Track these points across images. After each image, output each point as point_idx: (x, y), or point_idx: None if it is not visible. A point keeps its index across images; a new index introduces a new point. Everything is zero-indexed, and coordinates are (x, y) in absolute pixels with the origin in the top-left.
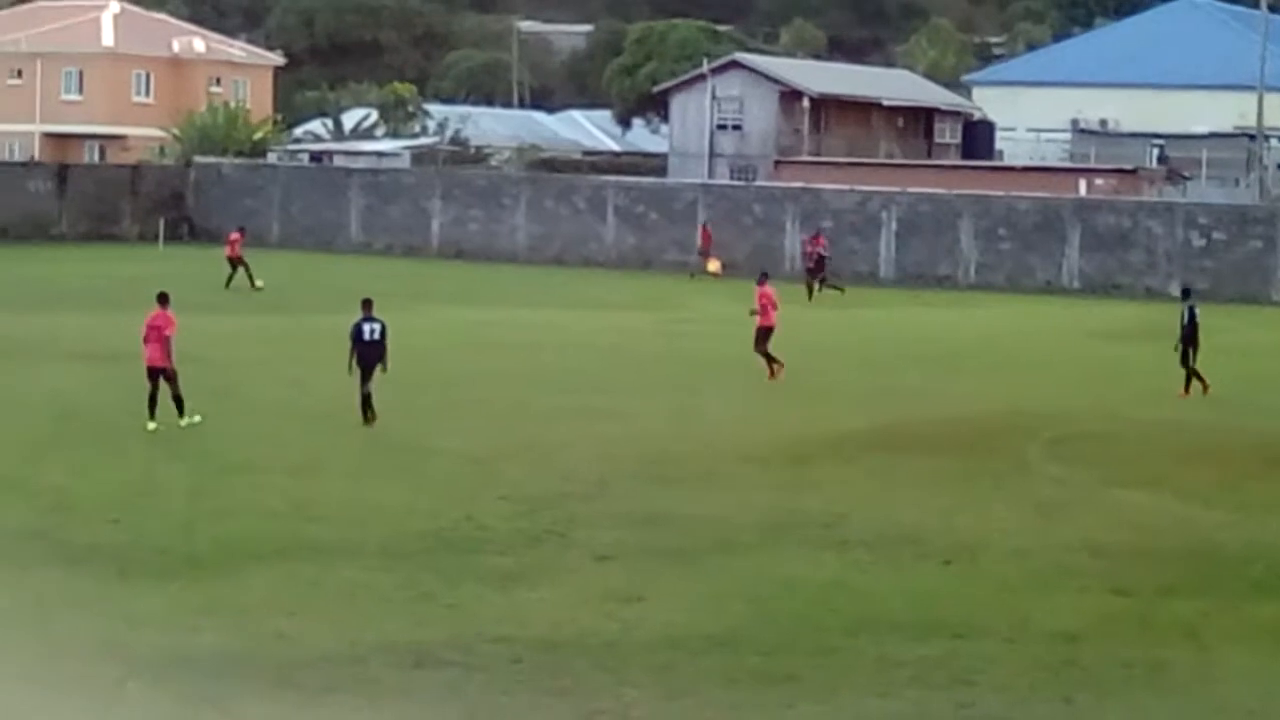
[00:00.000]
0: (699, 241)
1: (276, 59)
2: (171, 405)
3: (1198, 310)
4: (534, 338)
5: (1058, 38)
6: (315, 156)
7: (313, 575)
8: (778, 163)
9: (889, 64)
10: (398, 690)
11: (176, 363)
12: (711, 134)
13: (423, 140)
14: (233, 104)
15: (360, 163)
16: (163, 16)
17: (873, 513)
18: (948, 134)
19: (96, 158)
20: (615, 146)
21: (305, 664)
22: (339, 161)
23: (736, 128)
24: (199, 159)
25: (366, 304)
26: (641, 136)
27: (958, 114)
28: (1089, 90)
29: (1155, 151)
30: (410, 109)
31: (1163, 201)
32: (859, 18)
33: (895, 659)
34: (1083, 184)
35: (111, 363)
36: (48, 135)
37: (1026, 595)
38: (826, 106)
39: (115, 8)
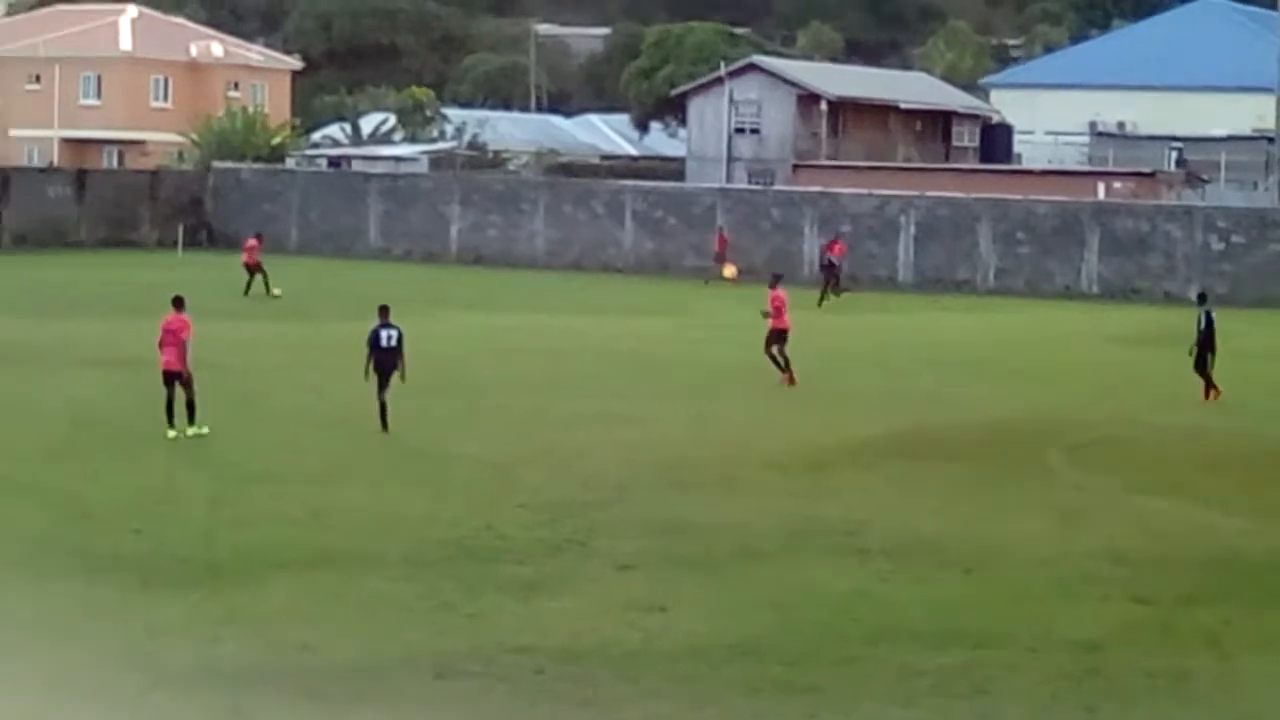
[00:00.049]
0: (714, 247)
1: (294, 63)
2: (183, 411)
3: (1214, 315)
4: (552, 343)
5: (1075, 40)
6: (333, 161)
7: (334, 584)
8: (796, 166)
9: (906, 67)
10: (420, 701)
11: (193, 368)
12: (729, 138)
13: (441, 145)
14: (251, 109)
15: (378, 168)
16: (180, 21)
17: (893, 520)
18: (966, 137)
19: (115, 163)
20: (633, 150)
21: (328, 674)
22: (357, 166)
23: (754, 131)
24: (217, 164)
25: (383, 310)
26: (659, 140)
27: (975, 117)
28: (1107, 93)
29: (1173, 154)
30: (428, 113)
31: (1181, 205)
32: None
33: (917, 668)
34: (1101, 187)
35: (130, 369)
36: (66, 140)
37: (1048, 604)
38: (844, 109)
39: (133, 12)
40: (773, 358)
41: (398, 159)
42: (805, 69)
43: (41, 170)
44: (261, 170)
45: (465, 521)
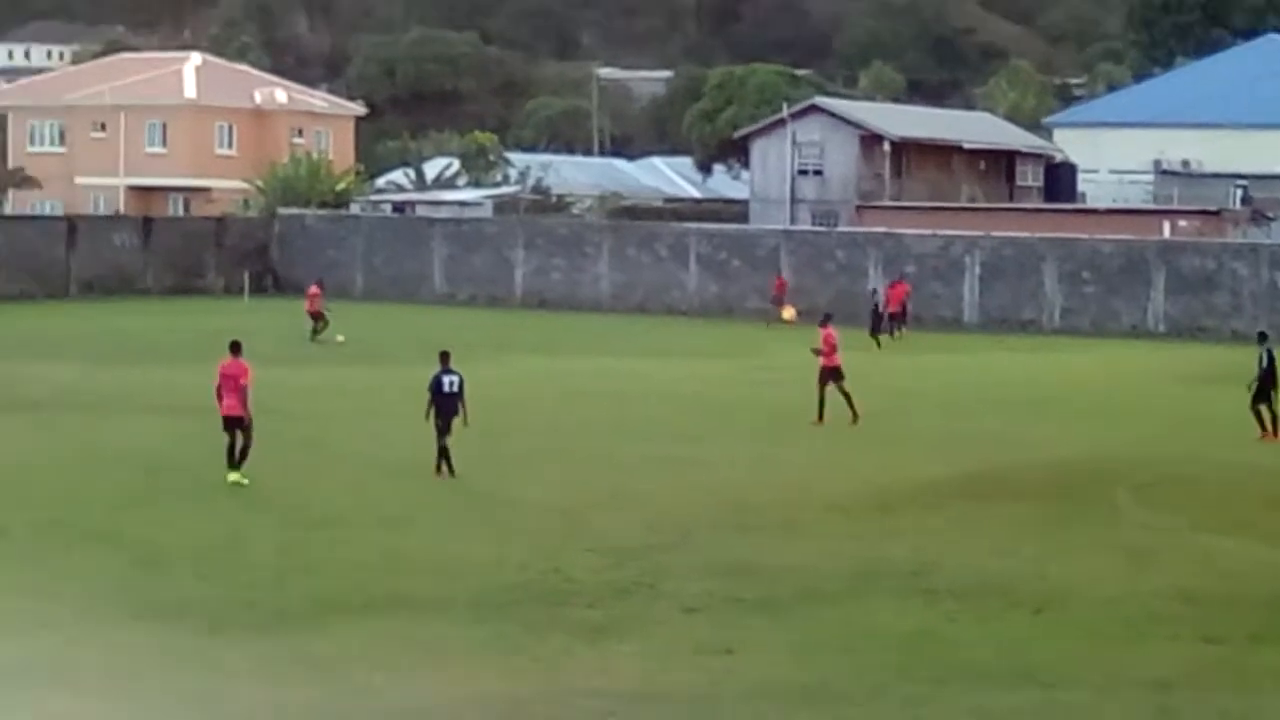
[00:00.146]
0: (772, 290)
1: (358, 109)
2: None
3: (1276, 353)
4: (617, 387)
5: (1138, 78)
6: (398, 207)
7: (402, 629)
8: (859, 208)
9: (968, 106)
10: None
11: (254, 413)
12: (792, 179)
13: (504, 189)
14: (315, 155)
15: (442, 212)
16: (244, 68)
17: (959, 560)
18: (1029, 176)
19: (180, 210)
20: (696, 193)
21: (396, 718)
22: (421, 211)
23: (817, 172)
24: (282, 210)
25: (444, 356)
26: (722, 182)
27: (1039, 156)
28: (1171, 131)
29: (1238, 192)
30: (491, 158)
31: (1247, 243)
32: (937, 60)
33: (986, 710)
34: (1166, 226)
35: (197, 416)
36: (132, 188)
37: (1118, 643)
38: (907, 150)
39: (197, 59)
40: (821, 398)
41: (462, 204)
42: (867, 109)
43: (108, 218)
44: (326, 216)
45: (532, 565)
